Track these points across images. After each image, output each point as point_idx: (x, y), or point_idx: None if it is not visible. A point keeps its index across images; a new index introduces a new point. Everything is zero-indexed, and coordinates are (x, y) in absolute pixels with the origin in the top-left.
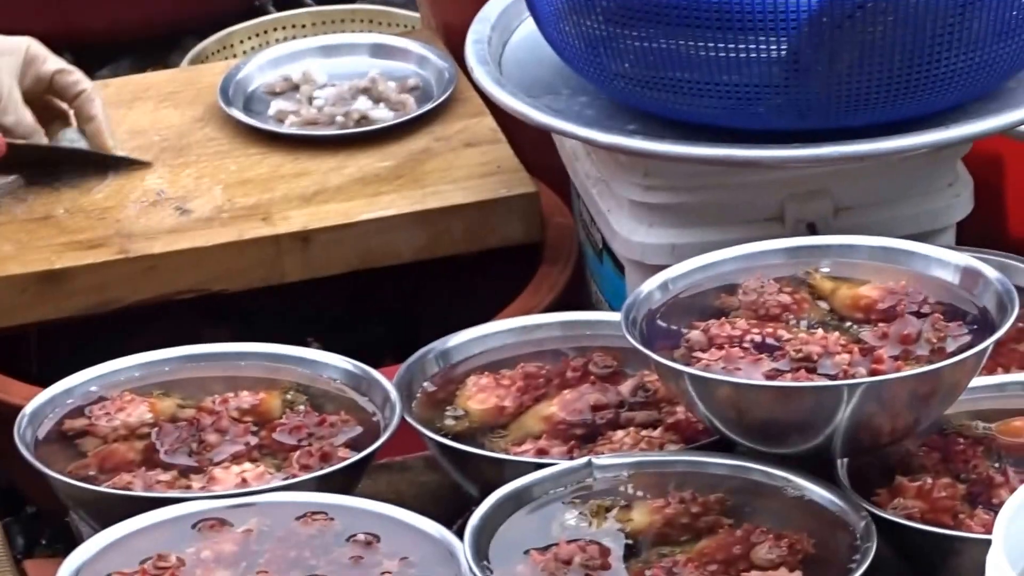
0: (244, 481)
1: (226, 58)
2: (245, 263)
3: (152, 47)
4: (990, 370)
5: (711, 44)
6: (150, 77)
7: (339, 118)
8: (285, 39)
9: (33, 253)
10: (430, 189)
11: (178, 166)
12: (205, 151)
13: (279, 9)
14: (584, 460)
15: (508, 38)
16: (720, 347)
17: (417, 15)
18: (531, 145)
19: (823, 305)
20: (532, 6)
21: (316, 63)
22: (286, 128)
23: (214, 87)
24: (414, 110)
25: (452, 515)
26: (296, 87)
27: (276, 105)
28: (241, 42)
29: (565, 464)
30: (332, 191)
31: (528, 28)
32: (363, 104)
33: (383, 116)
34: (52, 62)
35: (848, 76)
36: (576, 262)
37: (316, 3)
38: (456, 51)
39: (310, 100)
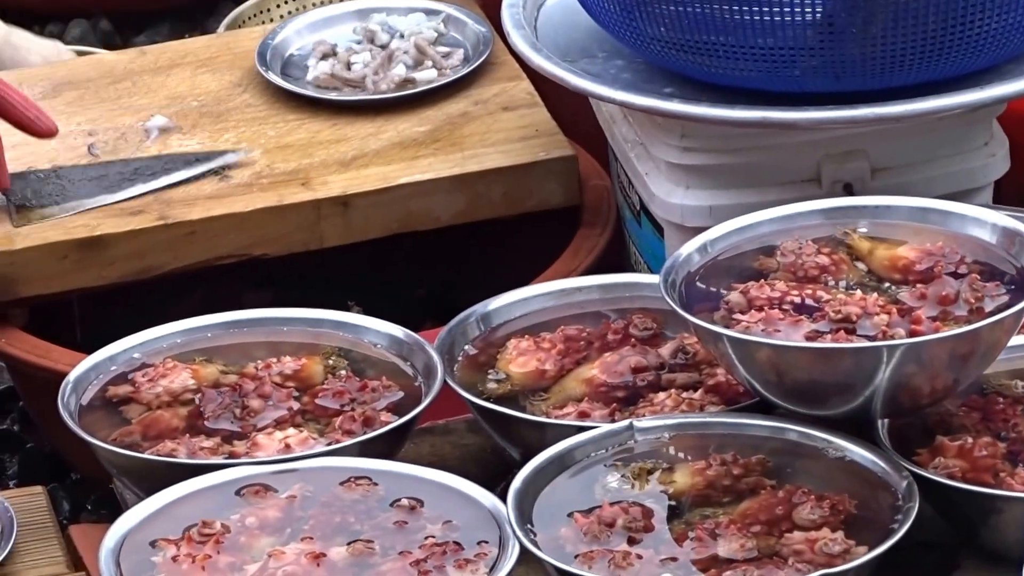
0: (287, 447)
1: (263, 23)
2: (285, 228)
3: (189, 13)
4: None
5: (746, 7)
6: (187, 43)
7: (377, 82)
8: (322, 3)
9: (73, 220)
10: (468, 153)
11: (216, 131)
12: (243, 116)
13: None
14: (625, 423)
15: (543, 2)
16: (759, 309)
17: None
18: (568, 109)
19: (861, 266)
20: None
21: (352, 26)
22: (324, 93)
23: (251, 52)
24: (451, 74)
25: (495, 478)
26: (334, 51)
27: (314, 69)
28: (278, 6)
29: (606, 427)
30: (371, 155)
31: None
32: (401, 70)
33: (423, 78)
34: None
35: (883, 38)
36: (614, 225)
37: None
38: (492, 15)
39: (348, 64)
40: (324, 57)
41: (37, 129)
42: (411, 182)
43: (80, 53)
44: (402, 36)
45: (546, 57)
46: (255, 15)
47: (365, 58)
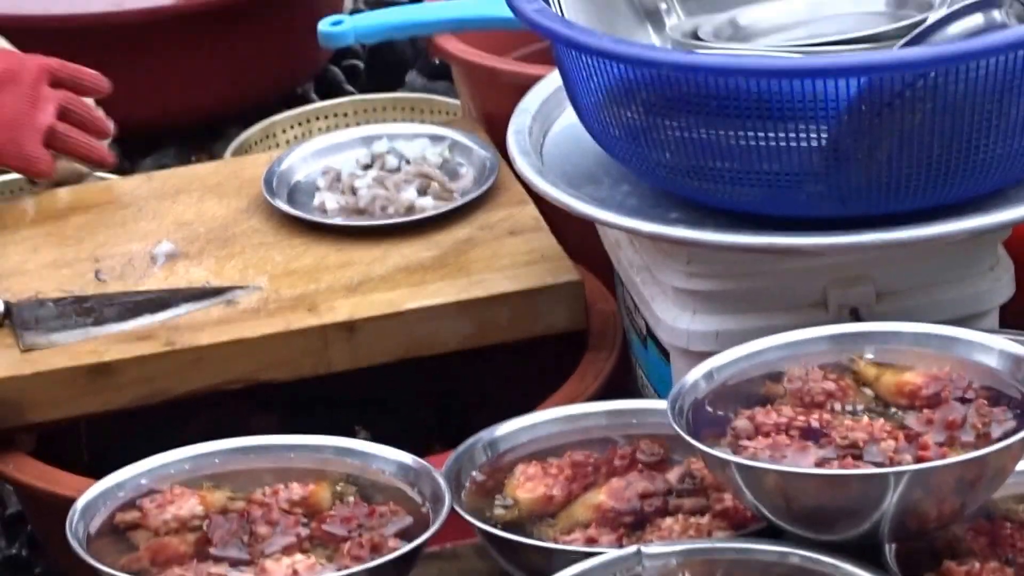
0: (295, 573)
1: (269, 147)
2: (292, 353)
3: (196, 136)
4: None
5: (751, 133)
6: (194, 169)
7: (383, 208)
8: (327, 128)
9: (81, 346)
10: (475, 278)
11: (223, 257)
12: (250, 242)
13: (321, 97)
14: (633, 549)
15: (549, 128)
16: (766, 435)
17: (458, 102)
18: (574, 233)
19: (868, 392)
20: (573, 97)
21: (358, 152)
22: (330, 218)
23: (258, 178)
24: (458, 199)
25: None
26: (339, 177)
27: (320, 196)
28: (283, 131)
29: (614, 553)
30: (377, 281)
31: (569, 118)
32: (410, 194)
33: (429, 204)
34: None
35: (888, 163)
36: (621, 349)
37: (358, 91)
38: (497, 139)
39: (353, 190)
40: (330, 184)
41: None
42: (418, 308)
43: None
44: (408, 162)
45: (552, 183)
46: (261, 140)
47: (370, 182)
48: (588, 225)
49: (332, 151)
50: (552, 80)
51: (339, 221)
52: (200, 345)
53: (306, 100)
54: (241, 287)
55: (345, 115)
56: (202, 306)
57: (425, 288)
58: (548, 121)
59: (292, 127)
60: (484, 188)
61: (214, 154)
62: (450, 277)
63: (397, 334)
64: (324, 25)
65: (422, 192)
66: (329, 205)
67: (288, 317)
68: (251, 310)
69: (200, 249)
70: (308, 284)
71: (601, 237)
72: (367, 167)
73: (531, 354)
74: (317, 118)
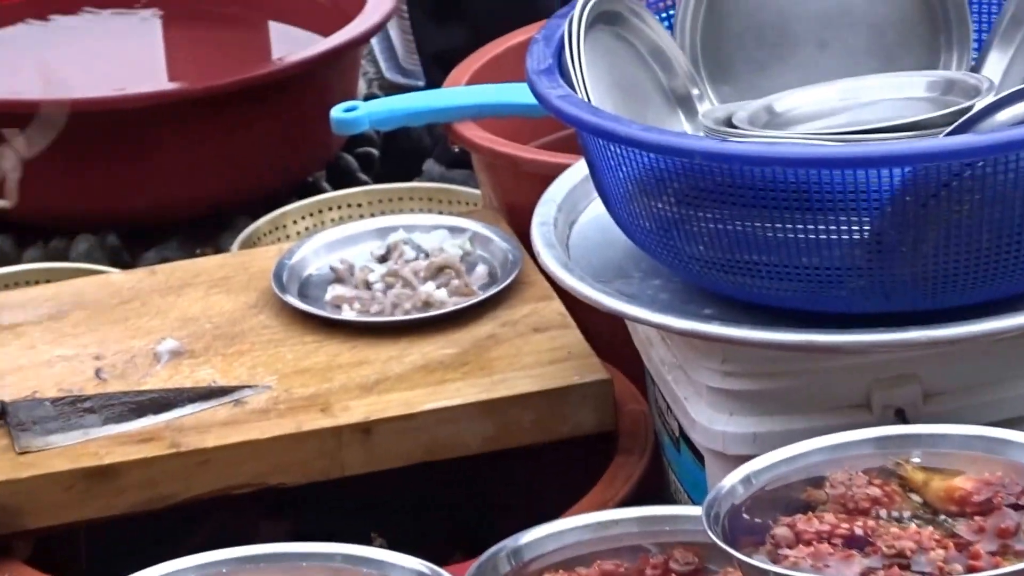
0: None
1: (279, 239)
2: (304, 456)
3: (201, 227)
4: None
5: (789, 226)
6: (200, 263)
7: (400, 303)
8: (341, 219)
9: (80, 448)
10: (497, 377)
11: (231, 355)
12: (259, 339)
13: (334, 186)
14: None
15: (575, 219)
16: (808, 543)
17: (478, 192)
18: (602, 329)
19: (915, 498)
20: (600, 187)
21: (372, 245)
22: (344, 315)
23: (267, 272)
24: (479, 294)
25: None
26: (352, 271)
27: (333, 290)
28: (294, 222)
29: None
30: (394, 380)
31: (596, 209)
32: (428, 288)
33: (448, 299)
34: None
35: (934, 257)
36: (653, 451)
37: (372, 180)
38: (521, 231)
39: (367, 284)
40: (343, 278)
41: None
42: (437, 408)
43: (87, 272)
44: (426, 255)
45: (579, 278)
46: (270, 231)
47: (386, 276)
48: (617, 321)
49: (346, 243)
50: (578, 169)
51: (353, 317)
52: (206, 447)
53: (318, 189)
54: (250, 386)
55: (359, 205)
56: (208, 406)
57: (445, 388)
58: (575, 212)
59: (303, 218)
60: (507, 282)
61: (220, 246)
62: (471, 376)
63: (415, 436)
64: (337, 112)
65: (441, 287)
66: (342, 300)
67: (299, 418)
68: (260, 411)
69: (206, 346)
70: (321, 383)
71: (631, 334)
72: (383, 260)
73: (557, 457)
74: (330, 208)
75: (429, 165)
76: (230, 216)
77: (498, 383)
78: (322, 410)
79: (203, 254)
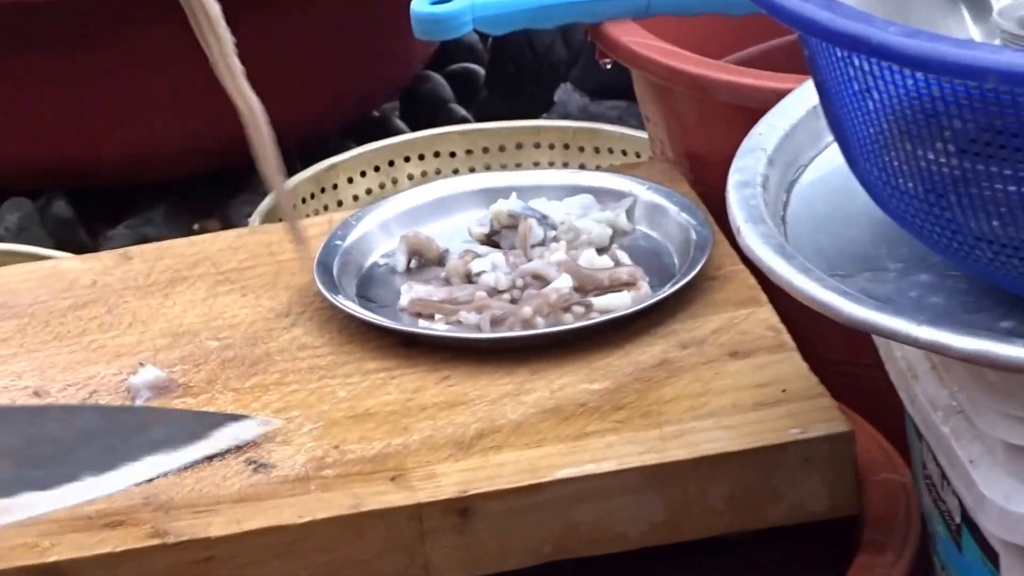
0: None
1: (325, 206)
2: (364, 551)
3: (202, 188)
4: None
5: None
6: (200, 244)
7: (516, 313)
8: (424, 175)
9: (11, 534)
10: (671, 428)
11: (247, 391)
12: (292, 366)
13: (413, 126)
14: None
15: (797, 177)
16: None
17: (643, 135)
18: (835, 352)
19: None
20: (837, 128)
21: (475, 217)
22: (431, 328)
23: (308, 258)
24: (646, 296)
25: None
26: (442, 258)
27: (412, 290)
28: (350, 180)
29: None
30: (507, 431)
31: (829, 162)
32: (561, 285)
33: (598, 304)
34: None
35: None
36: (917, 547)
37: (474, 116)
38: (709, 194)
39: (468, 278)
40: (427, 270)
41: None
42: (576, 476)
43: (20, 257)
44: (557, 234)
45: (802, 270)
46: (312, 195)
47: (497, 266)
48: (862, 340)
49: (431, 213)
50: (803, 99)
51: (445, 331)
52: (210, 536)
53: (389, 129)
54: (277, 439)
55: (453, 155)
56: (212, 470)
57: (588, 444)
58: (795, 167)
59: (364, 173)
60: (687, 278)
61: (231, 218)
62: (629, 427)
63: (542, 520)
64: (422, 5)
65: (584, 284)
66: (427, 306)
67: (357, 490)
68: (295, 479)
69: (210, 377)
70: (391, 436)
71: (884, 360)
72: (491, 241)
73: (765, 554)
74: (407, 159)
75: (564, 93)
76: (247, 171)
77: (671, 438)
78: (393, 479)
79: (204, 231)
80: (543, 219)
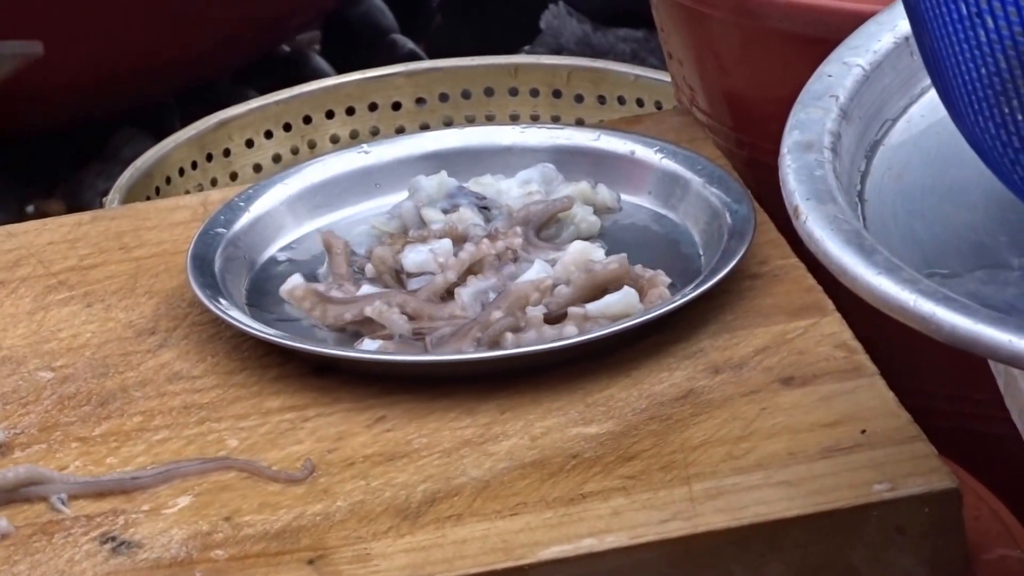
0: None
1: (210, 181)
2: None
3: (40, 153)
4: None
5: None
6: (33, 232)
7: (472, 317)
8: (353, 137)
9: None
10: (701, 486)
11: (101, 439)
12: (162, 404)
13: (338, 67)
14: None
15: (881, 137)
16: None
17: (664, 77)
18: (936, 382)
19: None
20: (934, 69)
21: (422, 195)
22: (360, 349)
23: (179, 251)
24: (664, 301)
25: None
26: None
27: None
28: (249, 143)
29: None
30: (469, 494)
31: (927, 115)
32: (539, 269)
33: (594, 310)
34: None
35: None
36: None
37: (425, 51)
38: (756, 163)
39: (397, 275)
40: (346, 264)
41: None
42: (570, 556)
43: None
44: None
45: (886, 267)
46: (195, 165)
47: (440, 252)
48: (968, 365)
49: (358, 190)
50: (888, 25)
51: (378, 355)
52: None
53: (303, 72)
54: (144, 507)
55: (396, 107)
56: (52, 550)
57: (584, 512)
58: (878, 122)
59: (267, 135)
60: (718, 277)
61: (78, 195)
62: (644, 485)
63: None
64: None
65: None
66: (350, 311)
67: None
68: (172, 562)
69: (45, 421)
70: (305, 502)
71: (1003, 392)
72: (447, 211)
73: None
74: (329, 115)
75: (556, 16)
76: (102, 129)
77: (703, 499)
78: (311, 562)
79: (39, 214)
80: (482, 207)
